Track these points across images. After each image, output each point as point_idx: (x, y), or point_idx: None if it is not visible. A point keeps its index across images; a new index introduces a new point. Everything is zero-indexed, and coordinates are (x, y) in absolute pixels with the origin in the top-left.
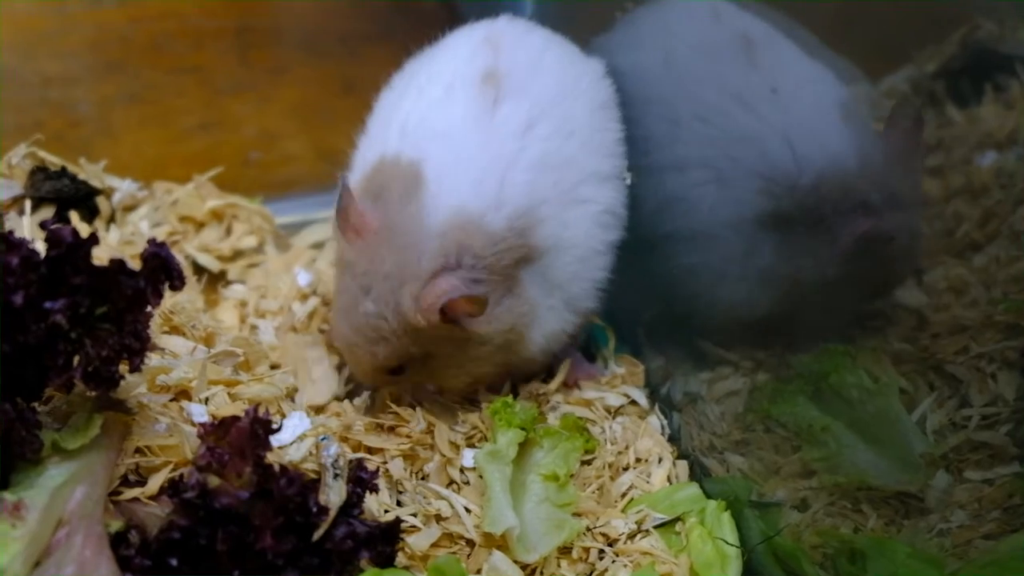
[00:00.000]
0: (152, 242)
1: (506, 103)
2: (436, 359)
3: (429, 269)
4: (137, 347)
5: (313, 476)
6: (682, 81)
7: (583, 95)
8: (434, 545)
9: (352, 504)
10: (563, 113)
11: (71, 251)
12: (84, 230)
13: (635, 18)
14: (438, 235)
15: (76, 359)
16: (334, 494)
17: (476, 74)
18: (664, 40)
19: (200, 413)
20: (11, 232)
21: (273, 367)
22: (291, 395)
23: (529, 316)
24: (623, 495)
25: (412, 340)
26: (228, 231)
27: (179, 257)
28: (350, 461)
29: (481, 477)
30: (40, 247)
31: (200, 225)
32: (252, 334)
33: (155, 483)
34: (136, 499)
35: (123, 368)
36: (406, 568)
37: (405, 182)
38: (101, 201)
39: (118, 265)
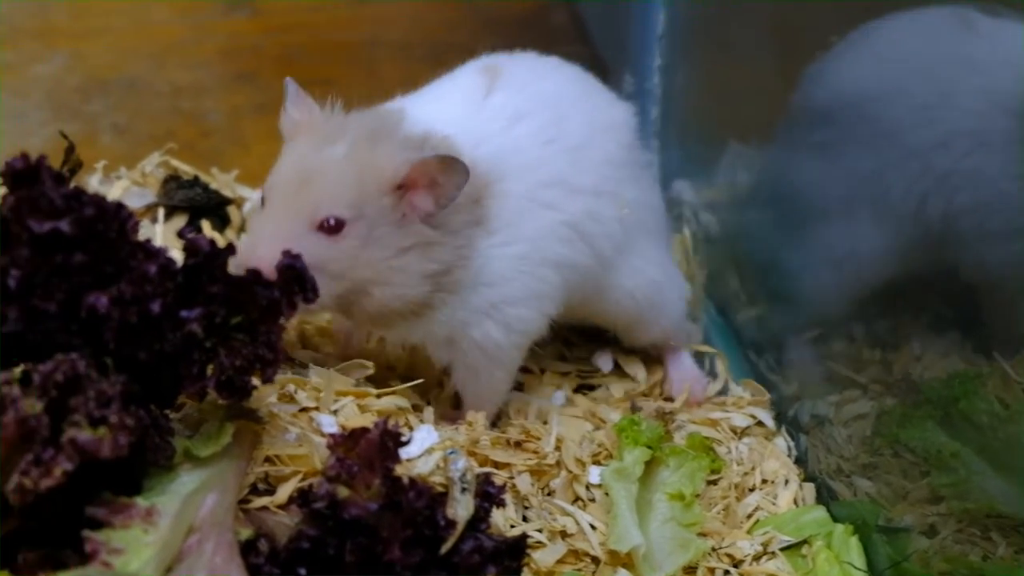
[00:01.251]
0: (287, 254)
1: (499, 93)
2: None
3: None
4: (270, 358)
5: (441, 489)
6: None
7: (583, 113)
8: (559, 561)
9: (479, 518)
10: (554, 119)
11: (208, 260)
12: (220, 240)
13: (869, 37)
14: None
15: (210, 368)
16: (462, 508)
17: (479, 66)
18: (912, 53)
19: (330, 424)
20: (148, 240)
21: (402, 380)
22: (419, 408)
23: (460, 280)
24: (749, 516)
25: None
26: None
27: None
28: (477, 475)
29: (607, 494)
30: (176, 255)
31: None
32: (380, 345)
33: (284, 492)
34: (265, 508)
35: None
36: None
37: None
38: (232, 210)
39: (254, 276)
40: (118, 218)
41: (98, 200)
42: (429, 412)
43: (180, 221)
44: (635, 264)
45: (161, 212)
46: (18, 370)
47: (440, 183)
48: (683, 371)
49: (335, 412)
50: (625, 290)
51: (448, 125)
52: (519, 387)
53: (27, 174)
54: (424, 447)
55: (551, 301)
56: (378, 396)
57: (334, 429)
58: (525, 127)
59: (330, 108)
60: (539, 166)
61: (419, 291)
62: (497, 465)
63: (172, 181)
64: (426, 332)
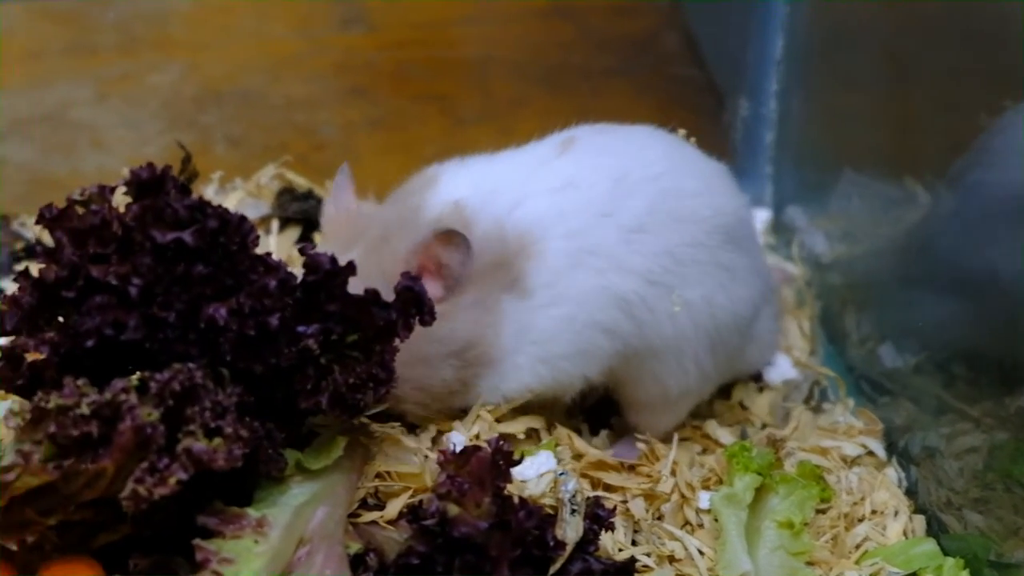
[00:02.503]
0: (406, 275)
1: (562, 161)
2: None
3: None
4: (383, 377)
5: (550, 511)
6: None
7: (653, 197)
8: None
9: (588, 541)
10: (614, 194)
11: (328, 278)
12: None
13: None
14: (434, 219)
15: (324, 384)
16: (571, 530)
17: (561, 136)
18: None
19: (460, 442)
20: (268, 254)
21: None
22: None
23: (491, 352)
24: (857, 546)
25: None
26: None
27: None
28: (587, 498)
29: (716, 520)
30: (294, 269)
31: None
32: None
33: (394, 508)
34: (374, 522)
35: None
36: None
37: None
38: None
39: (372, 295)
40: (240, 231)
41: (221, 212)
42: (559, 437)
43: (293, 233)
44: (682, 364)
45: (275, 224)
46: (135, 378)
47: (445, 263)
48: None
49: (477, 436)
50: (659, 383)
51: (485, 187)
52: None
53: (152, 184)
54: (540, 471)
55: (597, 364)
56: (513, 417)
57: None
58: (578, 195)
59: (363, 202)
60: (587, 233)
61: (442, 376)
62: (608, 488)
63: (286, 193)
64: (477, 399)
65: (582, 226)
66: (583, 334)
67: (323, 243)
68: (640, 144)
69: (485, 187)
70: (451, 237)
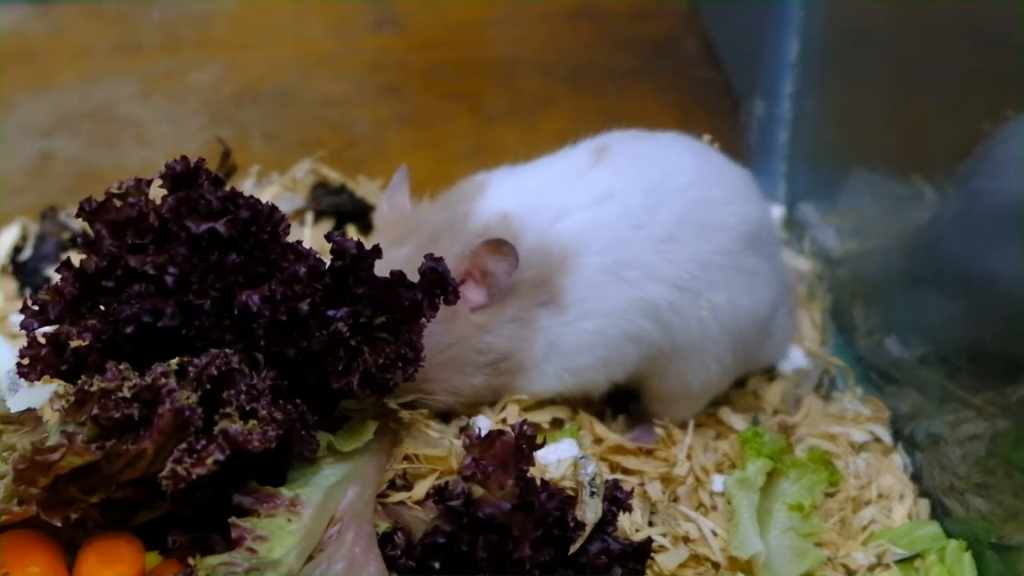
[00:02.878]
0: (429, 257)
1: (599, 171)
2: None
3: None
4: (411, 357)
5: (571, 493)
6: None
7: (682, 207)
8: (681, 566)
9: (607, 521)
10: (647, 205)
11: (354, 263)
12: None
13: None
14: (482, 228)
15: (354, 365)
16: (590, 511)
17: (592, 144)
18: None
19: (486, 426)
20: (299, 242)
21: None
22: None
23: (523, 363)
24: (864, 528)
25: None
26: None
27: None
28: (606, 481)
29: (729, 503)
30: (324, 258)
31: None
32: None
33: (421, 489)
34: (403, 503)
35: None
36: None
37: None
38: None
39: (398, 277)
40: (271, 221)
41: (253, 203)
42: (581, 422)
43: (327, 225)
44: (705, 362)
45: (309, 216)
46: (174, 362)
47: (491, 271)
48: (645, 437)
49: (503, 421)
50: (682, 380)
51: (529, 200)
52: None
53: (186, 177)
54: (561, 456)
55: (622, 369)
56: (540, 407)
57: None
58: (613, 208)
59: (417, 203)
60: (622, 246)
61: (473, 383)
62: (627, 471)
63: (320, 187)
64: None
65: (617, 239)
66: (612, 345)
67: (374, 239)
68: (671, 153)
69: (529, 199)
70: (500, 247)
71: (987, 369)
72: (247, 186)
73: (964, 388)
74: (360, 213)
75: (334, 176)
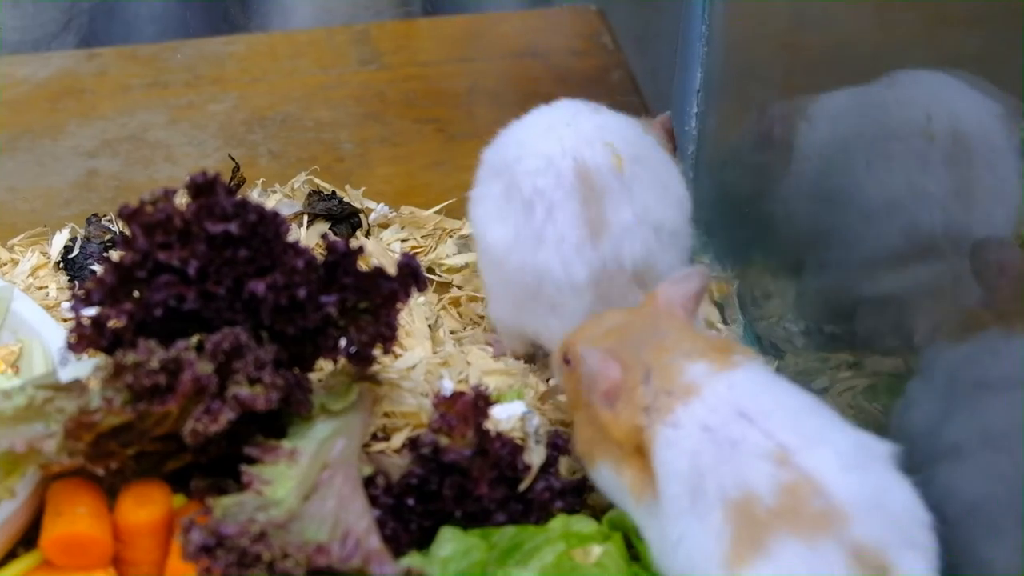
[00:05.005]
0: (405, 255)
1: None
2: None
3: None
4: (389, 335)
5: (520, 442)
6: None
7: None
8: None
9: (549, 464)
10: None
11: (343, 258)
12: (352, 242)
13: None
14: None
15: (342, 342)
16: (536, 456)
17: None
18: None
19: (450, 388)
20: (297, 241)
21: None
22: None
23: None
24: None
25: None
26: (455, 245)
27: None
28: (548, 431)
29: None
30: (317, 254)
31: (436, 240)
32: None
33: (397, 440)
34: (382, 452)
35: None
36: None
37: None
38: (361, 219)
39: (378, 271)
40: (275, 223)
41: (259, 208)
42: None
43: (320, 226)
44: None
45: (305, 219)
46: (194, 339)
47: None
48: None
49: (462, 380)
50: None
51: None
52: None
53: (205, 187)
54: (512, 414)
55: None
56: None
57: (451, 390)
58: None
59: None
60: None
61: None
62: (564, 424)
63: (314, 195)
64: None
65: None
66: None
67: None
68: None
69: None
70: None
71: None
72: (254, 195)
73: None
74: (347, 216)
75: (326, 186)
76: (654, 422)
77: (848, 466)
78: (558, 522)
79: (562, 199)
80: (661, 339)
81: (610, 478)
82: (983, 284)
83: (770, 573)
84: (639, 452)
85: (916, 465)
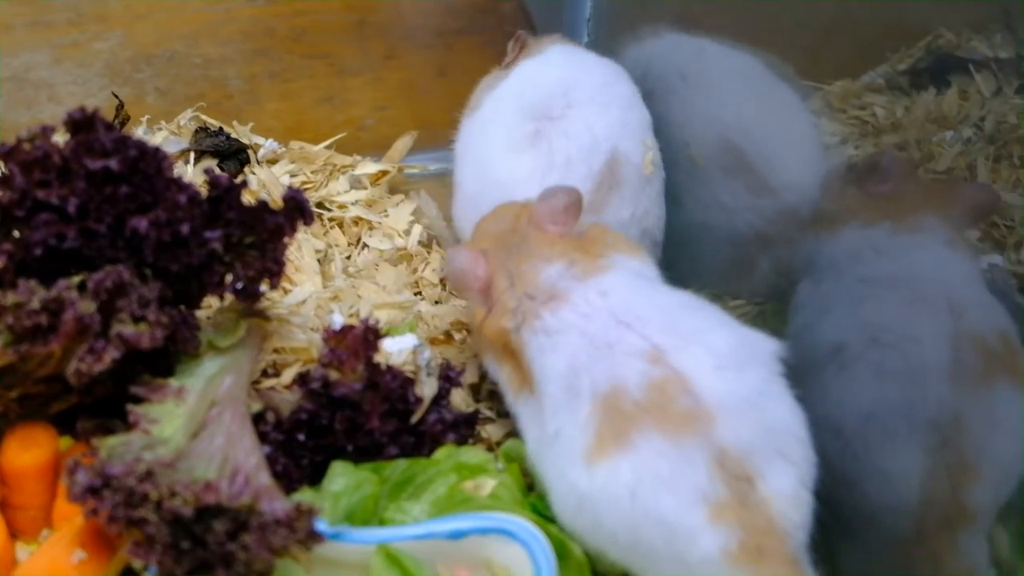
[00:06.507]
0: (290, 188)
1: None
2: None
3: None
4: (276, 270)
5: (411, 376)
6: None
7: None
8: (507, 435)
9: (441, 396)
10: None
11: (227, 192)
12: (236, 177)
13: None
14: None
15: (228, 278)
16: (427, 388)
17: None
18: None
19: (340, 321)
20: (180, 176)
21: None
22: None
23: None
24: None
25: None
26: (348, 182)
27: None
28: (440, 364)
29: None
30: (202, 189)
31: (327, 176)
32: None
33: (288, 376)
34: (272, 388)
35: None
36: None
37: None
38: (249, 155)
39: (262, 205)
40: (156, 158)
41: (140, 144)
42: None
43: (208, 163)
44: None
45: (192, 156)
46: (76, 279)
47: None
48: None
49: (358, 314)
50: None
51: None
52: None
53: (84, 123)
54: (403, 347)
55: None
56: (388, 301)
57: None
58: None
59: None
60: None
61: None
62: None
63: (201, 131)
64: None
65: None
66: None
67: None
68: None
69: None
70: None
71: None
72: (139, 132)
73: None
74: (235, 152)
75: (213, 122)
76: (521, 326)
77: (722, 367)
78: (448, 454)
79: (583, 176)
80: (527, 247)
81: (495, 371)
82: (872, 187)
83: (628, 466)
84: (509, 351)
85: (807, 367)
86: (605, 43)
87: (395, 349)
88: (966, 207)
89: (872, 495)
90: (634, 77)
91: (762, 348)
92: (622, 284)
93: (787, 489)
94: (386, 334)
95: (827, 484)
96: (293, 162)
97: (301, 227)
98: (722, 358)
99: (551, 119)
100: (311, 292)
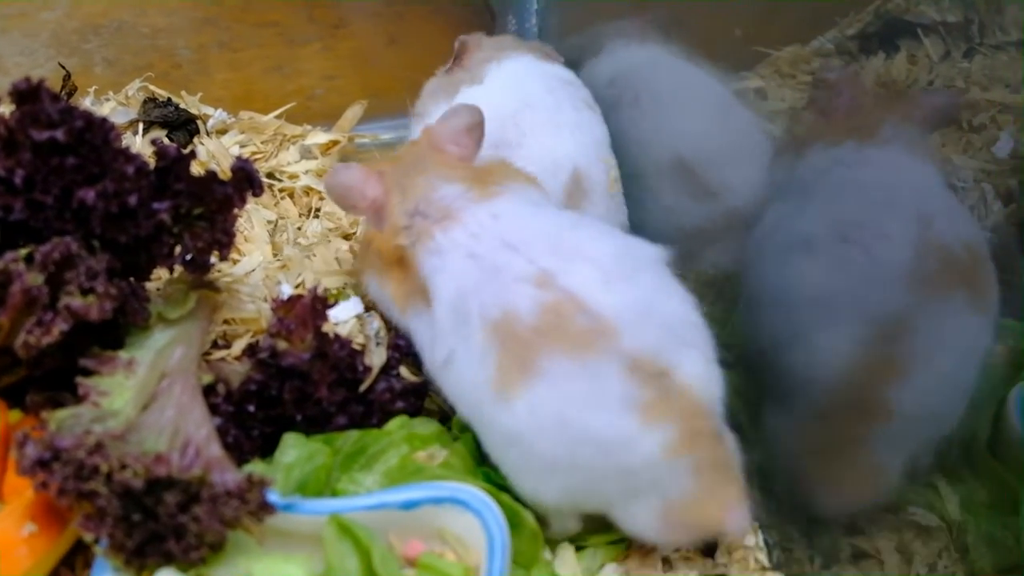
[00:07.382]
0: (238, 158)
1: None
2: None
3: None
4: (225, 241)
5: (360, 346)
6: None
7: None
8: None
9: (391, 366)
10: None
11: (175, 163)
12: (185, 147)
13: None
14: None
15: (177, 249)
16: (376, 357)
17: None
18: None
19: (288, 291)
20: (128, 147)
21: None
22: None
23: None
24: None
25: None
26: (298, 152)
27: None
28: (389, 332)
29: None
30: (150, 160)
31: (278, 147)
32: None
33: (238, 347)
34: (223, 359)
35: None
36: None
37: None
38: (199, 125)
39: (211, 175)
40: (103, 129)
41: (87, 114)
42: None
43: (156, 133)
44: None
45: (140, 127)
46: (23, 251)
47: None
48: None
49: (302, 283)
50: None
51: None
52: None
53: (29, 93)
54: (350, 314)
55: None
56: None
57: (289, 294)
58: None
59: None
60: None
61: None
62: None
63: (150, 102)
64: None
65: None
66: None
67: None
68: None
69: None
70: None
71: None
72: (87, 103)
73: None
74: (184, 123)
75: (161, 92)
76: (414, 244)
77: (611, 280)
78: (401, 424)
79: (550, 190)
80: (423, 167)
81: (375, 289)
82: (830, 105)
83: (545, 392)
84: (400, 264)
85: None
86: (556, 11)
87: (342, 316)
88: (927, 113)
89: (799, 365)
90: (599, 85)
91: (645, 253)
92: (513, 209)
93: (700, 371)
94: (332, 301)
95: (764, 350)
96: (243, 132)
97: (251, 198)
98: (609, 272)
99: (510, 147)
100: (260, 262)
